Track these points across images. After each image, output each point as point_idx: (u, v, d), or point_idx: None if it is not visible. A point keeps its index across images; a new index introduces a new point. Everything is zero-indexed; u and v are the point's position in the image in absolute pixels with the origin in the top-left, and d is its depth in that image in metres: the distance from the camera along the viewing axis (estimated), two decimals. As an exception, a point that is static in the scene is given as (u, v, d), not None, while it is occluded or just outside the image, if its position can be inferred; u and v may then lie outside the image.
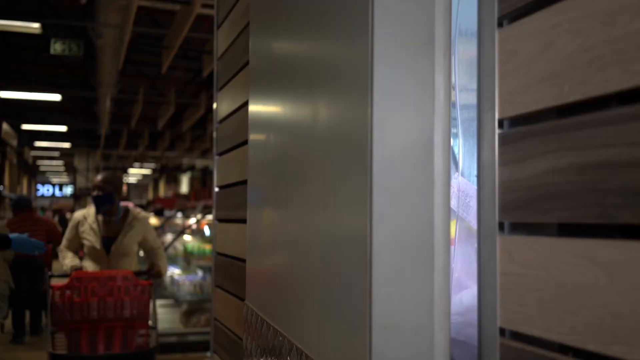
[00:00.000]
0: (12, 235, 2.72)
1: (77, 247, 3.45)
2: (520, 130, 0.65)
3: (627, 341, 0.51)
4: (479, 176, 0.69)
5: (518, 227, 0.66)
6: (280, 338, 1.11)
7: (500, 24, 0.68)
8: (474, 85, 1.21)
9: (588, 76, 0.56)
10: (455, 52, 1.11)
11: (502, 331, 0.65)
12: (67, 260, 3.35)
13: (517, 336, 0.64)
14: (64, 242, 3.47)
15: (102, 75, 10.04)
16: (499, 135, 0.67)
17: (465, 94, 1.10)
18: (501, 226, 0.67)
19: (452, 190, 1.11)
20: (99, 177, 3.41)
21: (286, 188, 1.22)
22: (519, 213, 0.64)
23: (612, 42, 0.53)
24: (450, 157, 0.76)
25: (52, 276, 3.28)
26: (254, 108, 1.53)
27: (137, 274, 3.20)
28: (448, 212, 0.75)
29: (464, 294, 0.99)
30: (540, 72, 0.62)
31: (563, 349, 0.58)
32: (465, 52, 1.10)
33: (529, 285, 0.62)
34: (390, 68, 0.76)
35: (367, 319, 0.73)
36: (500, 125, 0.67)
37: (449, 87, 0.76)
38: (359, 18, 0.80)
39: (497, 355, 0.65)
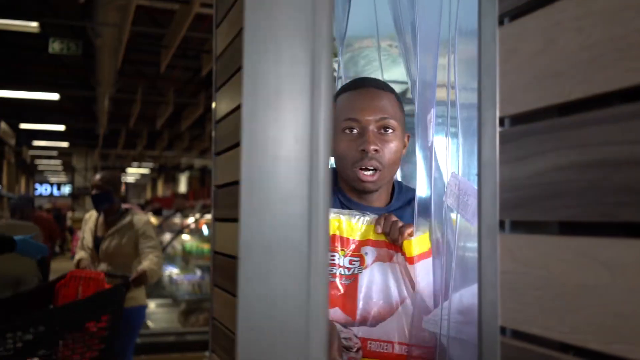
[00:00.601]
0: (17, 237, 2.70)
1: None
2: (521, 128, 0.65)
3: (629, 340, 0.51)
4: (479, 175, 0.69)
5: (519, 226, 0.65)
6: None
7: (501, 22, 0.68)
8: (473, 85, 1.21)
9: (590, 74, 0.56)
10: (455, 51, 1.11)
11: (503, 330, 0.65)
12: (77, 256, 3.37)
13: (518, 335, 0.64)
14: (79, 242, 3.50)
15: (100, 75, 10.03)
16: (500, 133, 0.67)
17: (464, 93, 1.10)
18: (502, 225, 0.66)
19: (451, 189, 1.11)
20: (98, 177, 3.41)
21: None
22: (520, 211, 0.64)
23: (614, 40, 0.53)
24: (328, 155, 0.74)
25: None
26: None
27: (114, 276, 3.11)
28: (327, 211, 0.73)
29: (464, 293, 0.99)
30: (541, 70, 0.62)
31: (564, 347, 0.58)
32: (464, 51, 1.10)
33: (530, 284, 0.61)
34: (261, 60, 0.73)
35: (237, 321, 0.72)
36: (501, 123, 0.67)
37: (331, 81, 0.74)
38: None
39: (497, 354, 0.65)
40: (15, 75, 12.39)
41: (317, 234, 0.73)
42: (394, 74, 2.26)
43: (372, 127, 1.29)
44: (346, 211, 1.29)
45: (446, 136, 1.18)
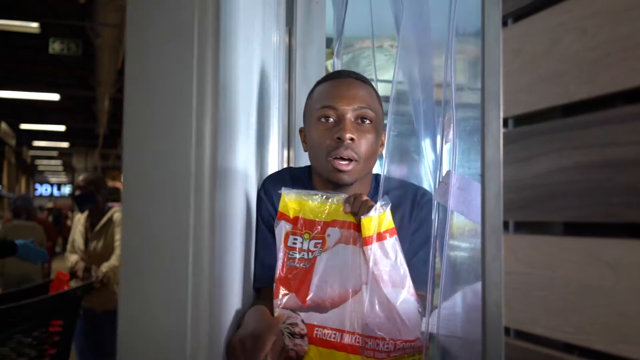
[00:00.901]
0: (19, 242, 2.70)
1: None
2: (525, 129, 0.65)
3: (634, 340, 0.51)
4: (483, 175, 0.69)
5: (523, 226, 0.66)
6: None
7: (504, 23, 0.68)
8: (470, 85, 1.20)
9: (594, 75, 0.56)
10: (451, 51, 1.11)
11: (507, 330, 0.65)
12: (71, 259, 3.37)
13: (522, 335, 0.64)
14: (68, 245, 3.51)
15: (100, 75, 10.03)
16: (504, 134, 0.67)
17: (460, 93, 1.10)
18: (506, 225, 0.66)
19: (448, 188, 1.11)
20: (80, 177, 3.44)
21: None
22: (524, 212, 0.64)
23: (619, 41, 0.53)
24: (216, 154, 0.73)
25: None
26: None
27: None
28: (212, 212, 0.73)
29: (467, 293, 0.99)
30: (545, 71, 0.62)
31: (568, 348, 0.58)
32: (461, 51, 1.10)
33: (534, 285, 0.61)
34: (142, 59, 0.72)
35: (118, 322, 0.72)
36: (505, 124, 0.67)
37: (216, 78, 0.73)
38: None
39: (501, 355, 0.65)
40: (15, 75, 12.39)
41: (202, 236, 0.73)
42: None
43: (349, 116, 1.24)
44: (313, 192, 1.21)
45: (453, 136, 1.17)
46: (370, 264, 1.10)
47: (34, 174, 27.28)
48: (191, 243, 0.71)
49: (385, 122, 1.33)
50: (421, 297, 1.13)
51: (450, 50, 1.09)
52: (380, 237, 1.11)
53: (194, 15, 0.72)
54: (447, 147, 1.21)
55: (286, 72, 2.11)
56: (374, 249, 1.10)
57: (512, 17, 0.68)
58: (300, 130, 1.39)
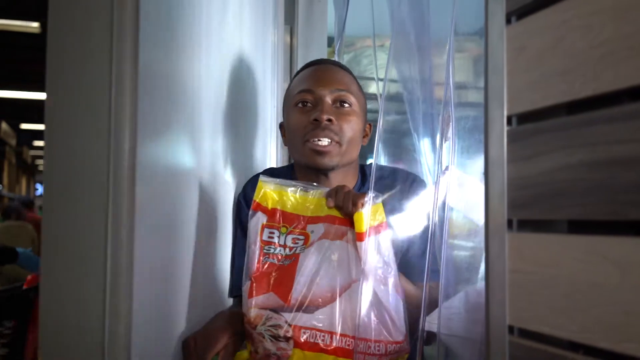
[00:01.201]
0: (20, 250, 2.73)
1: None
2: (529, 127, 0.65)
3: (639, 338, 0.51)
4: (486, 173, 0.69)
5: (527, 225, 0.65)
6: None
7: (508, 21, 0.68)
8: (470, 82, 1.20)
9: (599, 72, 0.56)
10: (450, 50, 1.11)
11: (511, 329, 0.65)
12: None
13: (526, 334, 0.64)
14: None
15: (101, 75, 10.03)
16: (508, 132, 0.66)
17: (459, 91, 1.10)
18: (510, 223, 0.66)
19: (446, 186, 1.10)
20: None
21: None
22: (528, 210, 0.64)
23: (624, 38, 0.53)
24: (134, 153, 0.73)
25: None
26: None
27: None
28: (132, 209, 0.73)
29: (470, 292, 0.99)
30: (549, 69, 0.61)
31: (573, 346, 0.58)
32: (461, 49, 1.10)
33: (538, 283, 0.61)
34: (62, 56, 0.74)
35: (39, 320, 0.73)
36: (509, 122, 0.67)
37: (136, 76, 0.73)
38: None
39: (505, 353, 0.65)
40: (15, 75, 12.39)
41: (119, 234, 0.73)
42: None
43: (327, 99, 1.19)
44: (294, 182, 1.12)
45: (448, 134, 1.17)
46: (363, 261, 1.03)
47: (34, 174, 27.29)
48: (110, 241, 0.72)
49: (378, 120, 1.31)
50: (417, 289, 1.10)
51: (450, 48, 1.09)
52: (373, 232, 1.05)
53: (112, 16, 0.74)
54: (446, 145, 1.20)
55: (287, 70, 2.11)
56: (367, 244, 1.04)
57: (515, 14, 0.67)
58: (281, 126, 1.33)
